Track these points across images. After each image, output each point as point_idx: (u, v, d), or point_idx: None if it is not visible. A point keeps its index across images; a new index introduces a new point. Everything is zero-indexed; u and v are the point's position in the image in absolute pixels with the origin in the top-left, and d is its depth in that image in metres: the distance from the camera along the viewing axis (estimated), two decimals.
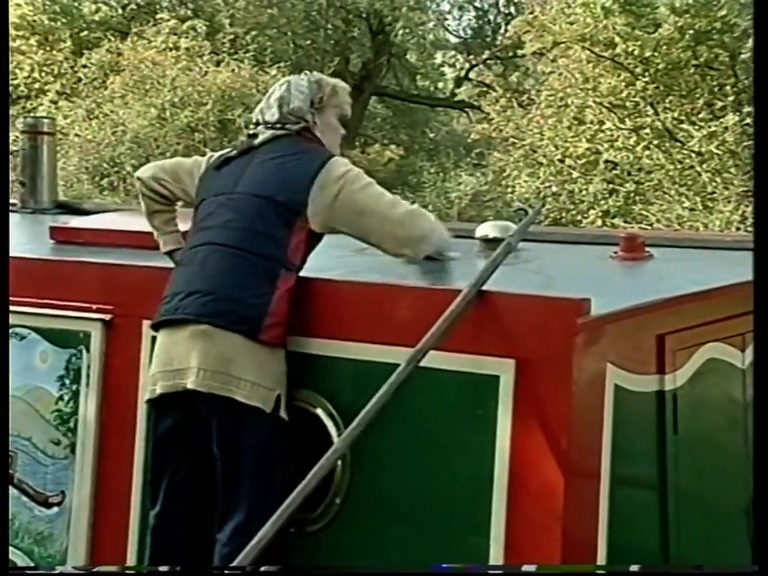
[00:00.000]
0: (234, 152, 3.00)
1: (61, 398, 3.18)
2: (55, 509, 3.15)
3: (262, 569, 2.44)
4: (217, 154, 3.07)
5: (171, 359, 2.78)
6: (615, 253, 3.37)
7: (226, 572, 2.52)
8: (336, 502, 2.72)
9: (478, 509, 2.55)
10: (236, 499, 2.71)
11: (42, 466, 3.17)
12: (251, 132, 3.03)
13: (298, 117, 2.96)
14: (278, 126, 2.96)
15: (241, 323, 2.72)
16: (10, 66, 16.60)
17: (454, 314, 2.54)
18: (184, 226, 3.09)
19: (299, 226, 2.83)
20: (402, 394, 2.54)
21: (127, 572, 2.89)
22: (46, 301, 3.18)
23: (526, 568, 2.40)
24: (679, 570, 2.68)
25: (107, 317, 3.09)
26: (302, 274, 2.86)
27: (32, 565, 3.12)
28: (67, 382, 3.17)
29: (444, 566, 2.44)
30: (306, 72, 3.11)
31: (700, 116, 13.43)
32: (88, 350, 3.13)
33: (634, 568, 2.50)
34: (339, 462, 2.66)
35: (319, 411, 2.77)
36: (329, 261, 3.04)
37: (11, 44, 16.71)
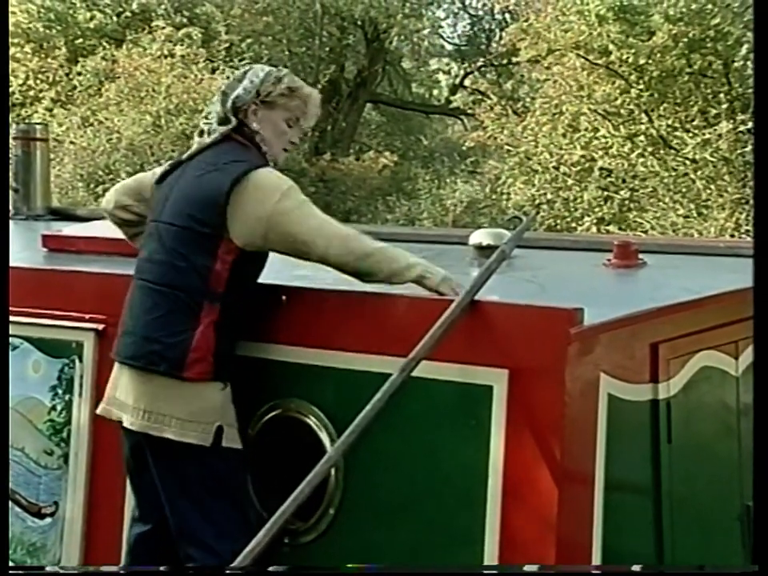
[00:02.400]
0: (168, 165, 2.86)
1: (53, 408, 3.17)
2: (48, 519, 3.13)
3: (269, 569, 2.43)
4: (166, 164, 2.92)
5: (116, 387, 2.82)
6: (608, 260, 3.37)
7: (227, 572, 2.51)
8: (330, 512, 2.72)
9: (472, 518, 2.54)
10: (182, 533, 2.71)
11: (35, 476, 3.16)
12: (201, 126, 2.84)
13: (239, 109, 2.76)
14: (217, 121, 2.78)
15: (161, 363, 2.69)
16: (9, 73, 16.58)
17: (446, 323, 2.54)
18: None
19: (223, 251, 2.68)
20: (396, 404, 2.53)
21: (127, 572, 2.88)
22: (38, 310, 3.17)
23: (526, 568, 2.40)
24: (679, 571, 2.68)
25: (100, 326, 3.08)
26: (300, 283, 2.86)
27: (32, 564, 3.11)
28: (60, 391, 3.16)
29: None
30: (278, 68, 2.91)
31: (694, 123, 13.46)
32: (81, 360, 3.12)
33: (635, 568, 2.50)
34: (333, 473, 2.66)
35: (311, 421, 2.76)
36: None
37: None
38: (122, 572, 2.86)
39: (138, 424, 2.73)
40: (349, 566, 2.55)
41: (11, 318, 3.13)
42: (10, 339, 3.20)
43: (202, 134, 2.83)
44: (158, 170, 2.94)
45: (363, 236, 2.72)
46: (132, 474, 2.88)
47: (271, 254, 2.83)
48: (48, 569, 3.03)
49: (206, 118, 2.84)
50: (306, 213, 2.69)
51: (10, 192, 4.95)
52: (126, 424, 2.77)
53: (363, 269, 2.67)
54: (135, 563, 2.82)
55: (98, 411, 2.87)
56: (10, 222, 4.72)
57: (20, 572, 2.95)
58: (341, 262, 2.67)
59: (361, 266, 2.66)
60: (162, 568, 2.74)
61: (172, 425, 2.68)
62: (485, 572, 2.51)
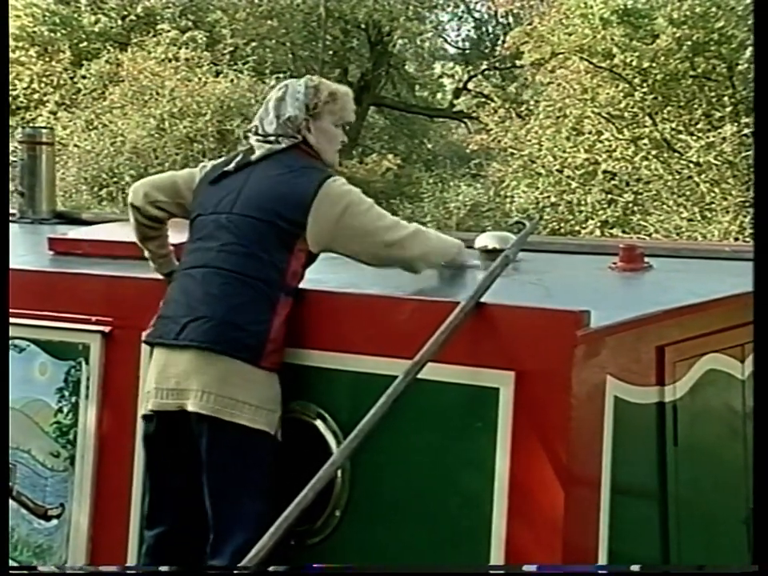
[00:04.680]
0: (231, 166, 2.93)
1: (60, 410, 3.17)
2: (54, 521, 3.14)
3: (270, 569, 2.44)
4: (210, 165, 3.01)
5: (169, 377, 2.77)
6: (614, 263, 3.37)
7: (232, 572, 2.51)
8: (336, 514, 2.72)
9: (478, 520, 2.54)
10: (238, 520, 2.69)
11: (42, 478, 3.16)
12: (250, 143, 2.97)
13: (295, 126, 2.90)
14: (274, 138, 2.91)
15: (243, 350, 2.72)
16: (10, 76, 16.66)
17: (452, 326, 2.54)
18: (177, 236, 3.07)
19: (299, 248, 2.80)
20: (403, 406, 2.54)
21: (127, 572, 2.89)
22: (44, 313, 3.18)
23: (527, 568, 2.40)
24: (680, 571, 2.68)
25: (106, 329, 3.08)
26: (306, 285, 2.87)
27: (32, 564, 3.11)
28: (66, 394, 3.17)
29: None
30: (308, 77, 3.04)
31: (698, 126, 13.46)
32: (87, 362, 3.13)
33: (635, 568, 2.50)
34: (339, 475, 2.66)
35: (318, 423, 2.76)
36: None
37: (11, 55, 16.76)
38: (122, 572, 2.86)
39: (208, 408, 2.70)
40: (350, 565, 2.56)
41: (18, 321, 3.15)
42: (17, 342, 3.21)
43: (258, 138, 2.92)
44: (197, 170, 2.99)
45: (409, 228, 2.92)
46: (162, 472, 2.83)
47: None
48: (48, 569, 3.03)
49: (259, 125, 2.94)
50: (378, 211, 2.88)
51: (16, 196, 4.97)
52: (190, 408, 2.72)
53: (422, 260, 2.92)
54: (154, 564, 2.81)
55: (151, 407, 2.80)
56: (17, 225, 4.74)
57: (20, 572, 2.95)
58: (410, 255, 2.87)
59: (422, 257, 2.91)
60: (162, 568, 2.74)
61: (245, 410, 2.69)
62: (485, 572, 2.51)
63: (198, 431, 2.74)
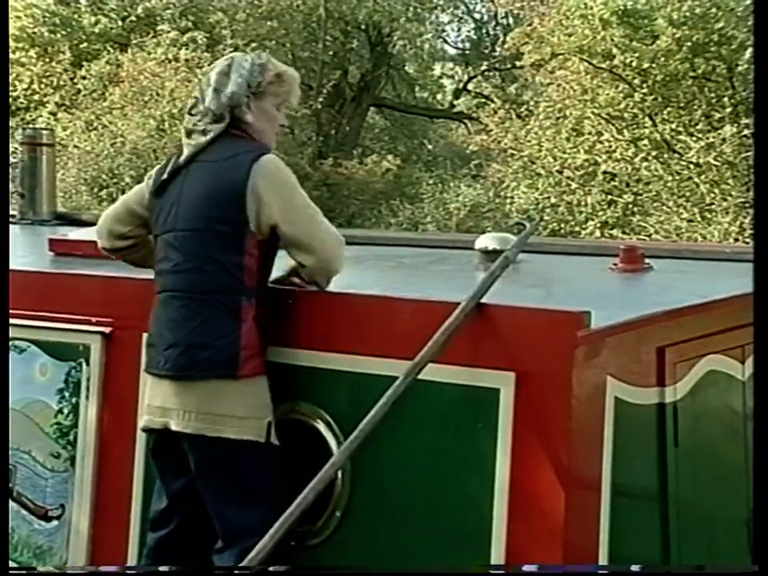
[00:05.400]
0: (166, 174, 2.82)
1: (60, 411, 3.17)
2: (55, 522, 3.14)
3: (270, 568, 2.43)
4: (153, 175, 2.88)
5: (155, 396, 2.79)
6: (615, 264, 3.38)
7: (233, 572, 2.51)
8: (336, 515, 2.72)
9: (479, 521, 2.54)
10: (242, 529, 2.68)
11: (42, 479, 3.16)
12: (188, 125, 2.82)
13: (234, 102, 2.77)
14: (206, 122, 2.77)
15: (216, 368, 2.70)
16: (10, 77, 16.66)
17: (452, 327, 2.54)
18: None
19: (249, 246, 2.71)
20: (403, 407, 2.54)
21: (127, 572, 2.89)
22: (45, 314, 3.18)
23: (528, 568, 2.40)
24: (680, 571, 2.68)
25: (107, 329, 3.08)
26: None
27: (32, 565, 3.11)
28: (67, 394, 3.17)
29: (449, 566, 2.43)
30: (257, 53, 2.94)
31: (698, 127, 13.46)
32: (88, 363, 3.13)
33: (635, 568, 2.50)
34: (340, 476, 2.66)
35: (318, 424, 2.76)
36: None
37: (11, 56, 16.76)
38: (122, 572, 2.86)
39: (191, 426, 2.71)
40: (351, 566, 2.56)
41: (18, 322, 3.15)
42: (18, 342, 3.21)
43: (190, 134, 2.81)
44: (145, 185, 2.91)
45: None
46: (163, 478, 2.85)
47: (278, 259, 2.83)
48: (48, 569, 3.03)
49: (191, 114, 2.82)
50: (314, 207, 2.76)
51: (17, 197, 4.97)
52: (174, 428, 2.74)
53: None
54: (157, 565, 2.81)
55: (141, 425, 2.84)
56: (17, 226, 4.74)
57: (20, 572, 2.95)
58: (330, 267, 2.74)
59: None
60: (161, 568, 2.74)
61: (228, 423, 2.68)
62: (485, 572, 2.51)
63: (185, 449, 2.74)
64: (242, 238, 2.70)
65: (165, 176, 2.82)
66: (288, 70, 2.90)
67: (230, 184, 2.71)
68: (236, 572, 2.42)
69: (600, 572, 2.57)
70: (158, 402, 2.77)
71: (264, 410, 2.72)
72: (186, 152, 2.81)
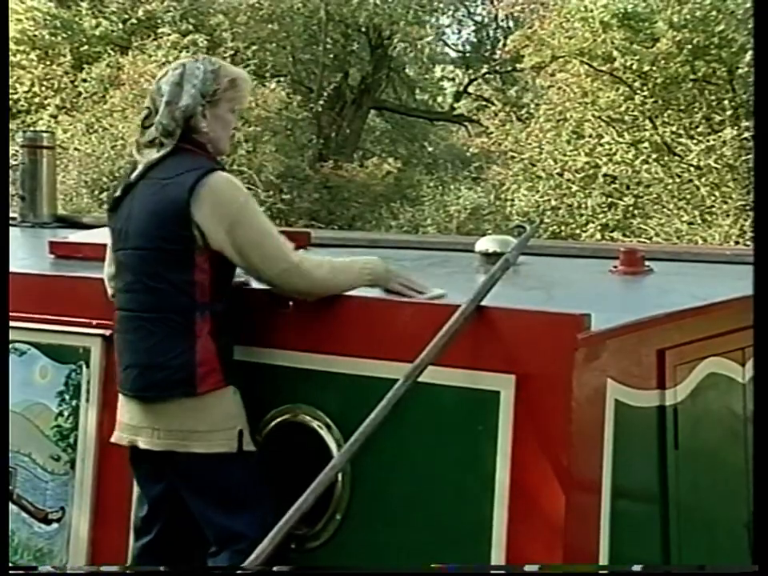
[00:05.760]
0: (119, 191, 2.81)
1: (60, 413, 3.17)
2: (55, 525, 3.14)
3: (274, 568, 2.44)
4: (111, 193, 2.91)
5: (124, 412, 2.81)
6: (615, 267, 3.38)
7: (234, 573, 2.51)
8: (336, 517, 2.72)
9: (479, 524, 2.54)
10: (231, 531, 2.69)
11: (42, 482, 3.16)
12: (140, 138, 2.78)
13: (187, 115, 2.72)
14: (162, 132, 2.72)
15: (173, 387, 2.69)
16: (11, 80, 16.67)
17: (452, 330, 2.54)
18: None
19: (200, 261, 2.67)
20: (403, 410, 2.54)
21: (127, 572, 2.90)
22: (45, 316, 3.18)
23: (528, 568, 2.40)
24: (679, 571, 2.68)
25: (107, 332, 3.07)
26: None
27: (32, 565, 3.11)
28: (67, 397, 3.17)
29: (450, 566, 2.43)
30: (207, 58, 2.85)
31: (698, 130, 13.46)
32: (88, 366, 3.13)
33: (636, 568, 2.50)
34: (340, 478, 2.66)
35: (318, 426, 2.76)
36: None
37: (11, 59, 16.77)
38: (121, 572, 2.87)
39: (159, 444, 2.71)
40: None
41: (19, 324, 3.15)
42: (18, 345, 3.22)
43: (140, 149, 2.77)
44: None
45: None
46: (141, 487, 2.88)
47: None
48: (48, 569, 3.03)
49: (144, 127, 2.78)
50: (265, 227, 2.69)
51: (17, 200, 4.97)
52: (142, 446, 2.75)
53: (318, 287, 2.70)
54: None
55: (112, 440, 2.86)
56: (18, 229, 4.74)
57: (20, 572, 2.95)
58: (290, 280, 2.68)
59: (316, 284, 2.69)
60: (162, 568, 2.75)
61: (196, 438, 2.68)
62: (486, 572, 2.51)
63: (158, 465, 2.76)
64: (191, 255, 2.67)
65: (118, 193, 2.82)
66: (241, 74, 2.86)
67: (173, 204, 2.67)
68: (238, 572, 2.41)
69: (600, 572, 2.57)
70: (126, 418, 2.80)
71: (232, 420, 2.71)
72: (137, 169, 2.79)
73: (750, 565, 2.72)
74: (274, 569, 2.41)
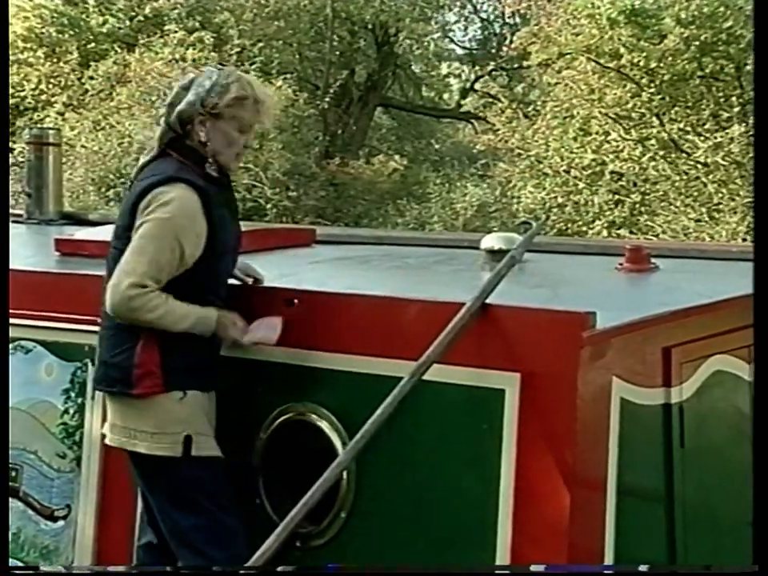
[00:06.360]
0: (127, 187, 2.89)
1: (66, 411, 3.17)
2: (61, 522, 3.14)
3: (278, 569, 2.44)
4: None
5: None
6: (620, 264, 3.37)
7: (237, 572, 2.52)
8: (341, 515, 2.72)
9: (484, 522, 2.54)
10: (172, 537, 2.74)
11: (48, 479, 3.17)
12: (147, 140, 2.86)
13: (184, 121, 2.70)
14: (160, 134, 2.73)
15: (114, 384, 2.76)
16: (18, 77, 16.70)
17: (457, 327, 2.54)
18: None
19: None
20: (408, 408, 2.53)
21: (127, 572, 2.90)
22: (50, 314, 3.18)
23: (534, 568, 2.39)
24: (686, 571, 2.67)
25: None
26: (311, 287, 2.85)
27: (32, 565, 3.12)
28: (72, 395, 3.17)
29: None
30: (230, 70, 2.77)
31: (706, 127, 13.42)
32: (93, 363, 3.12)
33: (643, 568, 2.50)
34: (344, 476, 2.66)
35: (323, 424, 2.76)
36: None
37: (19, 56, 16.80)
38: (123, 572, 2.87)
39: (115, 440, 2.80)
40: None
41: (24, 322, 3.15)
42: (24, 343, 3.22)
43: (144, 150, 2.81)
44: None
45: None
46: (137, 485, 2.91)
47: (279, 258, 2.83)
48: (48, 569, 3.04)
49: (159, 125, 2.78)
50: (146, 247, 2.63)
51: (23, 196, 4.97)
52: (107, 441, 2.84)
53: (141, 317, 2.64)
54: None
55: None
56: (23, 226, 4.75)
57: (20, 572, 2.96)
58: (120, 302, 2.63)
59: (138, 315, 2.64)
60: (164, 568, 2.75)
61: (141, 438, 2.72)
62: (490, 572, 2.51)
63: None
64: None
65: (127, 187, 2.88)
66: (257, 93, 2.73)
67: (129, 207, 2.74)
68: (241, 572, 2.41)
69: (606, 572, 2.56)
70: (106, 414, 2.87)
71: (177, 425, 2.71)
72: (135, 170, 2.83)
73: (749, 564, 2.72)
74: (278, 569, 2.40)
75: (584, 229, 13.72)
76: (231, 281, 2.89)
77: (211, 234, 2.68)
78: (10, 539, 3.17)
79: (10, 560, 3.15)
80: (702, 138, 13.26)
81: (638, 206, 13.68)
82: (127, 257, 2.66)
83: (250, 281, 2.94)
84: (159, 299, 2.65)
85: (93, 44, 17.59)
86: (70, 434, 3.16)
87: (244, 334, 2.74)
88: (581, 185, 13.92)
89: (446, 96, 21.97)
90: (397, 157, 18.23)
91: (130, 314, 2.65)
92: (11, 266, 3.10)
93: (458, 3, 20.50)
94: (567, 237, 12.28)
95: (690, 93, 13.71)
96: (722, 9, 13.27)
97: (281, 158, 15.21)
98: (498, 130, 15.25)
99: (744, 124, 12.97)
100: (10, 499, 3.16)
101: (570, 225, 13.89)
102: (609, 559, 2.57)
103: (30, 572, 2.93)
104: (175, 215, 2.65)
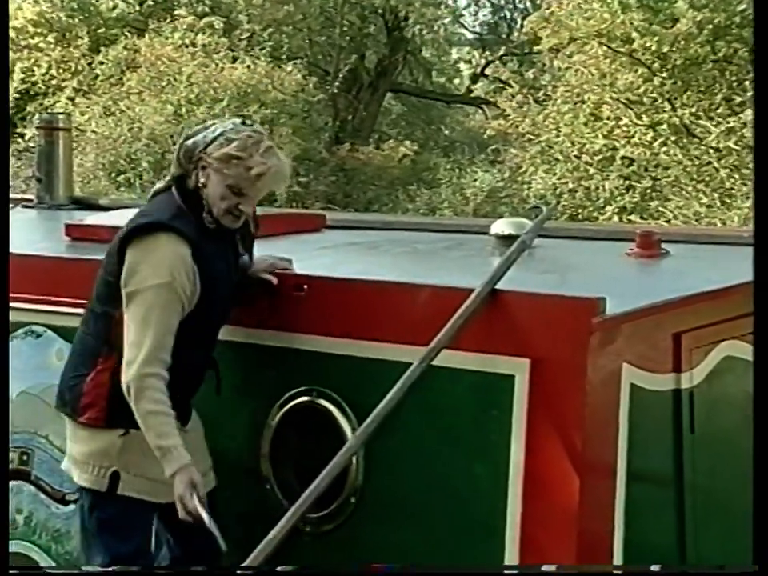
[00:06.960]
0: None
1: None
2: (72, 506, 3.16)
3: (279, 568, 2.44)
4: None
5: None
6: (631, 250, 3.35)
7: (236, 572, 2.52)
8: (351, 501, 2.72)
9: (493, 508, 2.54)
10: (119, 552, 2.72)
11: (59, 463, 3.18)
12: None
13: (184, 163, 2.69)
14: (174, 166, 2.73)
15: (65, 406, 2.78)
16: (28, 63, 16.71)
17: (467, 313, 2.53)
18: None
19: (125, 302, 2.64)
20: (418, 393, 2.53)
21: (127, 572, 2.91)
22: (61, 299, 3.19)
23: (545, 568, 2.39)
24: (678, 570, 2.67)
25: None
26: (321, 272, 2.84)
27: (35, 565, 3.14)
28: None
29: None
30: (252, 129, 2.65)
31: (718, 112, 13.33)
32: None
33: (655, 568, 2.49)
34: (354, 462, 2.66)
35: (333, 409, 2.76)
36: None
37: (29, 41, 16.81)
38: (123, 572, 2.88)
39: (65, 465, 2.85)
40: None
41: (35, 307, 3.16)
42: (34, 328, 3.23)
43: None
44: None
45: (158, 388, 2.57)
46: None
47: (289, 244, 2.83)
48: (48, 569, 3.06)
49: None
50: (146, 316, 2.58)
51: (34, 181, 4.98)
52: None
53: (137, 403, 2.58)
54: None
55: None
56: (34, 211, 4.76)
57: (20, 572, 2.98)
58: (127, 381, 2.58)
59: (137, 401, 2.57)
60: (162, 568, 2.76)
61: (75, 465, 2.76)
62: (499, 572, 2.51)
63: None
64: (118, 291, 2.66)
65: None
66: (251, 161, 2.59)
67: (118, 237, 2.69)
68: (238, 572, 2.41)
69: (615, 572, 2.55)
70: None
71: (107, 459, 2.68)
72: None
73: (749, 564, 2.71)
74: (278, 569, 2.41)
75: (595, 214, 13.67)
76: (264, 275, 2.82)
77: (201, 288, 2.64)
78: (22, 523, 3.19)
79: (23, 543, 3.17)
80: (714, 123, 13.18)
81: (649, 191, 13.61)
82: (134, 337, 2.57)
83: (275, 280, 2.82)
84: (157, 399, 2.56)
85: (103, 29, 17.59)
86: None
87: (192, 495, 2.54)
88: (592, 170, 13.87)
89: (456, 81, 21.89)
90: (407, 142, 18.18)
91: (138, 393, 2.57)
92: (21, 251, 3.11)
93: None
94: (578, 222, 12.25)
95: (703, 77, 13.62)
96: None
97: (291, 143, 15.19)
98: (509, 115, 15.19)
99: None
100: (23, 483, 3.18)
101: (580, 210, 13.84)
102: (618, 544, 2.57)
103: (30, 572, 2.94)
104: (175, 278, 2.59)
